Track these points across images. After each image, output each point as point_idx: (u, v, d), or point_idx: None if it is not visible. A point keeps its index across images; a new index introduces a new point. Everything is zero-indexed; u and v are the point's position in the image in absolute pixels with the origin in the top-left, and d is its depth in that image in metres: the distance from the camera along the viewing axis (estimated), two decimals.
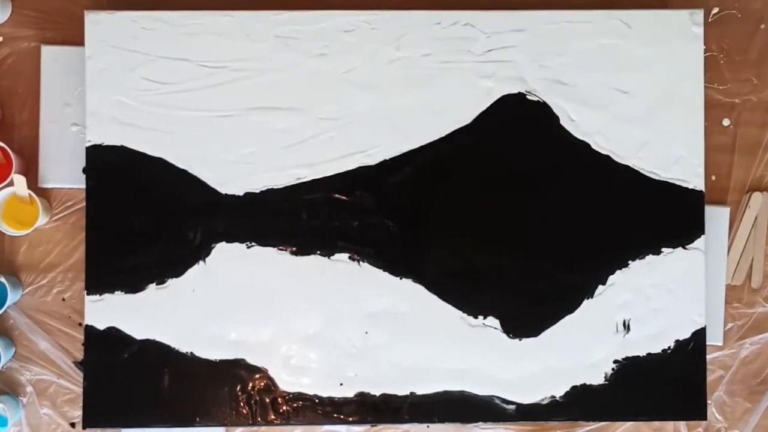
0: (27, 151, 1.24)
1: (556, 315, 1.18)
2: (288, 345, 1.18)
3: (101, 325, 1.17)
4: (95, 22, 1.19)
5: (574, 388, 1.18)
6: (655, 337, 1.18)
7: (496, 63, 1.19)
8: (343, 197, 1.19)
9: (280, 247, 1.18)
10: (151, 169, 1.18)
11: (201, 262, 1.18)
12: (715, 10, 1.26)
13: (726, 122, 1.26)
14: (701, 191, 1.19)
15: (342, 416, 1.18)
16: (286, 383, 1.18)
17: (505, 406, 1.18)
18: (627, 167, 1.19)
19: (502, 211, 1.19)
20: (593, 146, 1.19)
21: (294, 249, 1.18)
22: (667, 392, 1.18)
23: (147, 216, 1.18)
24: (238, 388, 1.18)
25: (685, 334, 1.18)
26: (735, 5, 1.27)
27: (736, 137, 1.26)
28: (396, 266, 1.18)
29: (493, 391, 1.18)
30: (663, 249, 1.19)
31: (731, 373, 1.25)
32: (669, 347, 1.18)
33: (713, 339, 1.23)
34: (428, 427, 1.23)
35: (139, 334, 1.17)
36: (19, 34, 1.25)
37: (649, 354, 1.18)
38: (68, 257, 1.24)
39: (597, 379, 1.18)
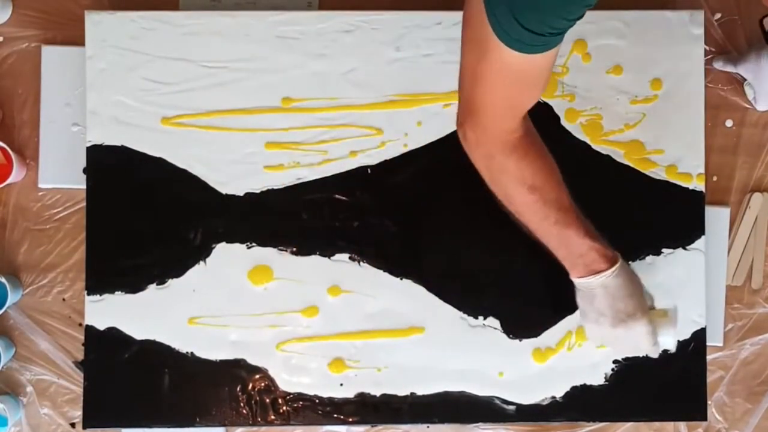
0: (27, 151, 1.24)
1: (556, 315, 1.18)
2: (288, 345, 1.18)
3: (101, 326, 1.17)
4: (95, 22, 1.19)
5: (574, 388, 1.18)
6: None
7: None
8: (343, 197, 1.19)
9: (280, 248, 1.18)
10: (151, 169, 1.18)
11: (201, 263, 1.18)
12: (718, 15, 1.25)
13: (729, 123, 1.26)
14: (702, 192, 1.19)
15: (342, 416, 1.18)
16: (286, 383, 1.18)
17: (505, 406, 1.18)
18: (627, 167, 1.19)
19: (502, 210, 1.19)
20: (593, 146, 1.19)
21: (294, 249, 1.18)
22: (667, 393, 1.18)
23: (147, 216, 1.18)
24: (238, 388, 1.17)
25: (685, 335, 1.18)
26: (735, 9, 1.26)
27: (739, 138, 1.26)
28: (396, 266, 1.18)
29: (493, 391, 1.18)
30: (663, 249, 1.19)
31: (731, 373, 1.24)
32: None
33: (713, 339, 1.22)
34: (428, 427, 1.23)
35: (139, 334, 1.17)
36: (20, 34, 1.25)
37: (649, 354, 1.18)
38: (68, 257, 1.24)
39: (597, 379, 1.18)
